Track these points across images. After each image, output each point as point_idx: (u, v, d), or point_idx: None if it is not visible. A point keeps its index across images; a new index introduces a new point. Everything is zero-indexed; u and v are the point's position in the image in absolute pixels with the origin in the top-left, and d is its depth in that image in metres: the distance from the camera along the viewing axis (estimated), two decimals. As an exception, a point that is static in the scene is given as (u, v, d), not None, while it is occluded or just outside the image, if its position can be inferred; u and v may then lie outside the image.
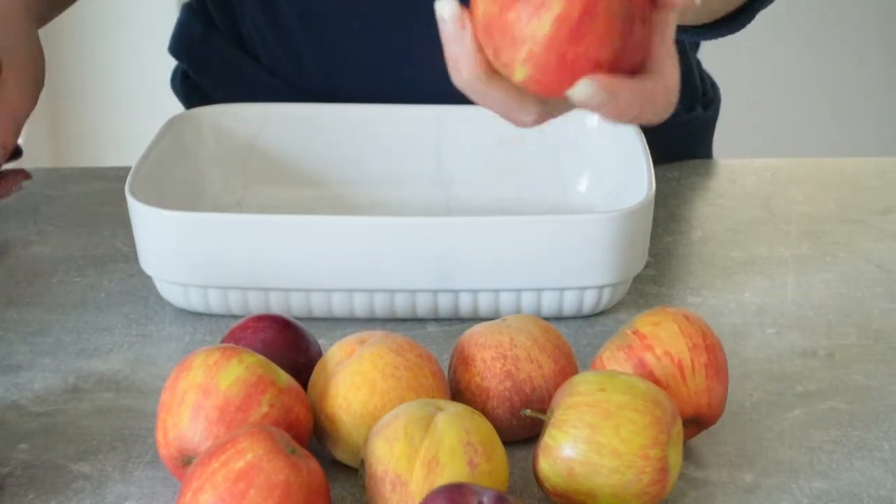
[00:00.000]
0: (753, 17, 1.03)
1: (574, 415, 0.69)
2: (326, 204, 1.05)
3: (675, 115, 1.16)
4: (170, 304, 0.93)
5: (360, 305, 0.90)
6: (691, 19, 0.99)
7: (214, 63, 1.18)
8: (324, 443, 0.75)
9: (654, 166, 0.95)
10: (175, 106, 1.20)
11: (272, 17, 1.11)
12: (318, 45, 1.10)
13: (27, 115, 0.93)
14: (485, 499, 0.63)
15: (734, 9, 1.02)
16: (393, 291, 0.89)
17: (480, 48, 0.63)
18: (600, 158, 1.04)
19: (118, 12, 2.41)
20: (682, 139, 1.18)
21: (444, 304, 0.90)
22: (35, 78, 0.96)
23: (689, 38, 1.04)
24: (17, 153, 0.95)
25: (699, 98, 1.21)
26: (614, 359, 0.75)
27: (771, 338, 0.90)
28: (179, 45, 1.20)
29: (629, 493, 0.68)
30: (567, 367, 0.78)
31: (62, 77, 2.43)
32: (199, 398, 0.70)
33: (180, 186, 1.00)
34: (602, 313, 0.92)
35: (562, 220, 0.88)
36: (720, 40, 1.11)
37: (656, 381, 0.74)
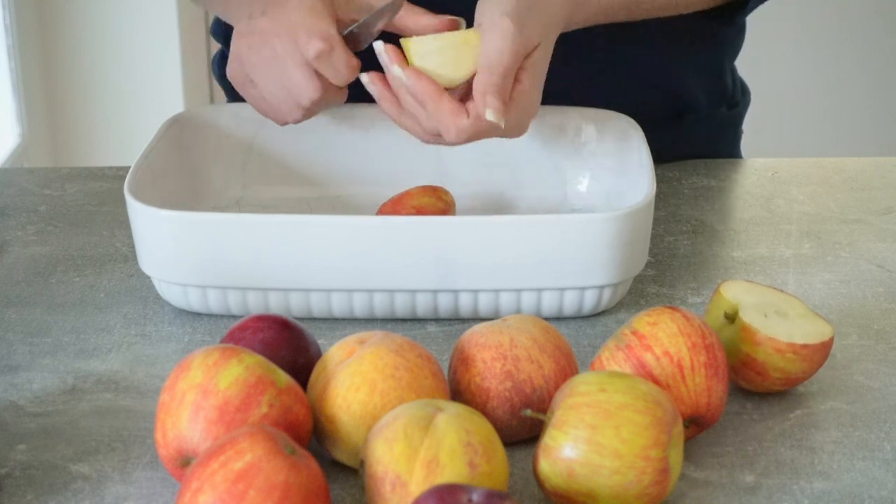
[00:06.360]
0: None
1: (574, 415, 0.69)
2: (326, 204, 1.05)
3: (695, 111, 1.16)
4: (169, 305, 0.93)
5: (359, 305, 0.90)
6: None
7: None
8: (323, 443, 0.75)
9: (655, 166, 0.95)
10: (175, 106, 1.20)
11: None
12: None
13: None
14: (475, 496, 0.63)
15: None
16: (393, 291, 0.89)
17: None
18: (600, 158, 1.04)
19: (119, 12, 2.41)
20: (704, 135, 1.18)
21: (444, 304, 0.90)
22: None
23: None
24: None
25: (727, 98, 1.21)
26: (613, 359, 0.75)
27: (772, 338, 0.89)
28: (219, 26, 1.21)
29: (630, 493, 0.68)
30: (567, 368, 0.77)
31: (62, 77, 2.43)
32: (198, 398, 0.70)
33: (179, 186, 1.00)
34: (602, 313, 0.92)
35: (562, 220, 0.87)
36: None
37: (656, 381, 0.74)
